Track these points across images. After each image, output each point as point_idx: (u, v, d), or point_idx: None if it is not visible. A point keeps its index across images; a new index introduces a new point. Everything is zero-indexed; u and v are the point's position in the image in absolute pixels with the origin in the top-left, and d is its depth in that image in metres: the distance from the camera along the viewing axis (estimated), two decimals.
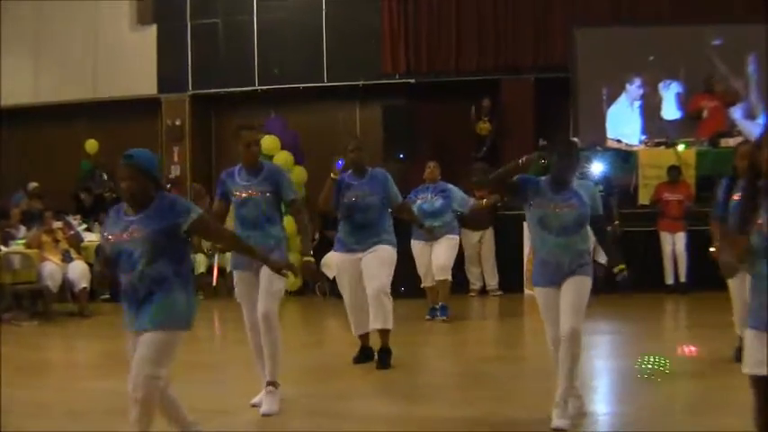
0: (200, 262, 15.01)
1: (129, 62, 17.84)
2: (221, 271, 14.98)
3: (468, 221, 13.20)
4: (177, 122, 17.80)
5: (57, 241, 13.03)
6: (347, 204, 8.37)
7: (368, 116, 17.47)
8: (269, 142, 14.89)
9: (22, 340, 10.91)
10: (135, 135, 17.07)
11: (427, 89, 17.06)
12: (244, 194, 6.88)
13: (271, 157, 14.67)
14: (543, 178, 6.17)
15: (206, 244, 14.77)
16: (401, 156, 15.92)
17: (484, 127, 16.30)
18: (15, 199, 16.36)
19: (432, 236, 11.21)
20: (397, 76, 17.08)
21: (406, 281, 11.71)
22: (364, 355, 8.73)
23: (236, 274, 7.06)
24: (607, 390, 7.71)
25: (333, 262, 8.93)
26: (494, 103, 16.40)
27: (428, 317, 11.71)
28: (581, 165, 6.33)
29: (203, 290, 14.86)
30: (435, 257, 11.49)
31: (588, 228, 6.16)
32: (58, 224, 13.11)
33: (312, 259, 6.94)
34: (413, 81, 17.04)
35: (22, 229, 13.99)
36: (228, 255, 14.12)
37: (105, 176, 17.09)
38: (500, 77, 16.71)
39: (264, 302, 6.76)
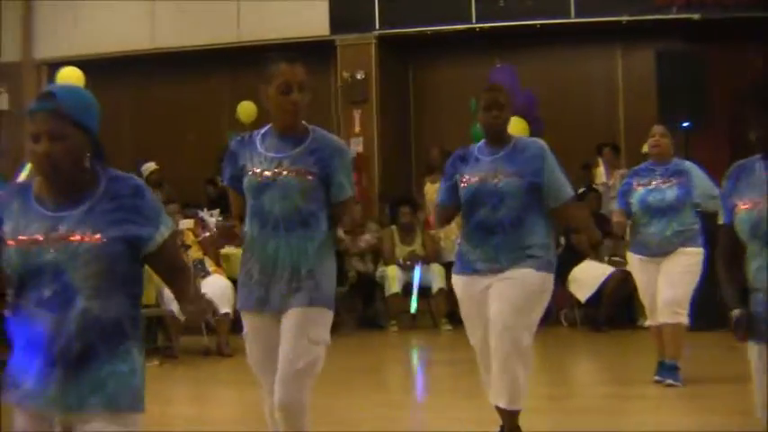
0: (392, 278, 14.96)
1: None
2: (424, 291, 14.83)
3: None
4: (359, 76, 17.97)
5: (186, 247, 12.84)
6: (467, 193, 7.04)
7: (634, 67, 17.76)
8: None
9: None
10: None
11: (719, 28, 16.78)
12: (266, 172, 5.69)
13: None
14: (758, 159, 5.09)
15: (402, 251, 14.53)
16: (684, 123, 15.29)
17: None
18: None
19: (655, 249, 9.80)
20: (674, 10, 16.86)
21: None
22: None
23: (246, 320, 6.00)
24: None
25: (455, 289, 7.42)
26: None
27: (657, 377, 9.95)
28: None
29: (396, 318, 14.91)
30: (663, 285, 9.74)
31: None
32: (186, 222, 12.98)
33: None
34: (697, 17, 16.74)
35: None
36: (436, 268, 14.03)
37: None
38: None
39: (285, 386, 5.67)
